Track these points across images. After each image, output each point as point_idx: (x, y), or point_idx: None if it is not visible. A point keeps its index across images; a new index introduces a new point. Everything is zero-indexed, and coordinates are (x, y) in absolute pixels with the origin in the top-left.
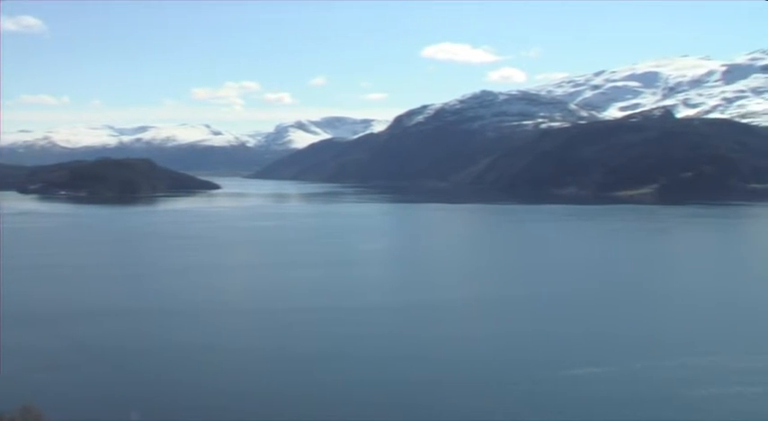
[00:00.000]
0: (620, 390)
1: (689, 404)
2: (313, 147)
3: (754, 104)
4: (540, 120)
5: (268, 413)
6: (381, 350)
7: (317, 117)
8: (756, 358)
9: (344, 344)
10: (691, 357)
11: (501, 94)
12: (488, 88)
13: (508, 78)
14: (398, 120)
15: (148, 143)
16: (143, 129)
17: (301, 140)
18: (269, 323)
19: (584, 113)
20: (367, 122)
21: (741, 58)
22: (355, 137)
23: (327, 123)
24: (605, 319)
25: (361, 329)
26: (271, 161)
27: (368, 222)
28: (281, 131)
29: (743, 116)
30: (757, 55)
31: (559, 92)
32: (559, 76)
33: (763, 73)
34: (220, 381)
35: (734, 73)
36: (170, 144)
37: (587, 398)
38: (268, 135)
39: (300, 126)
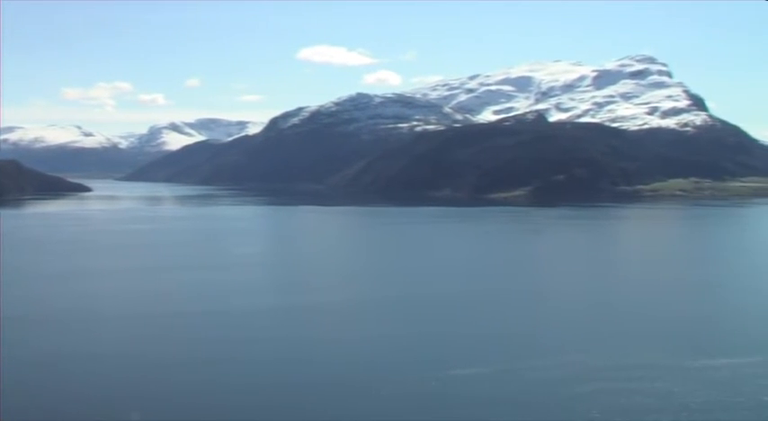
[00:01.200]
0: (499, 390)
1: (562, 401)
2: (187, 148)
3: (623, 109)
4: (415, 122)
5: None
6: (260, 353)
7: (191, 118)
8: (626, 355)
9: (223, 349)
10: (565, 356)
11: (376, 96)
12: (364, 91)
13: (384, 81)
14: (274, 122)
15: (15, 144)
16: (10, 129)
17: (175, 142)
18: (146, 329)
19: (458, 116)
20: (242, 124)
21: (611, 65)
22: (230, 139)
23: (202, 125)
24: (484, 320)
25: (240, 333)
26: (144, 163)
27: (243, 225)
28: (154, 133)
29: (612, 120)
30: (626, 61)
31: (434, 95)
32: (434, 79)
33: (632, 79)
34: (96, 390)
35: (604, 78)
36: (38, 145)
37: (467, 397)
38: (141, 136)
39: (174, 127)
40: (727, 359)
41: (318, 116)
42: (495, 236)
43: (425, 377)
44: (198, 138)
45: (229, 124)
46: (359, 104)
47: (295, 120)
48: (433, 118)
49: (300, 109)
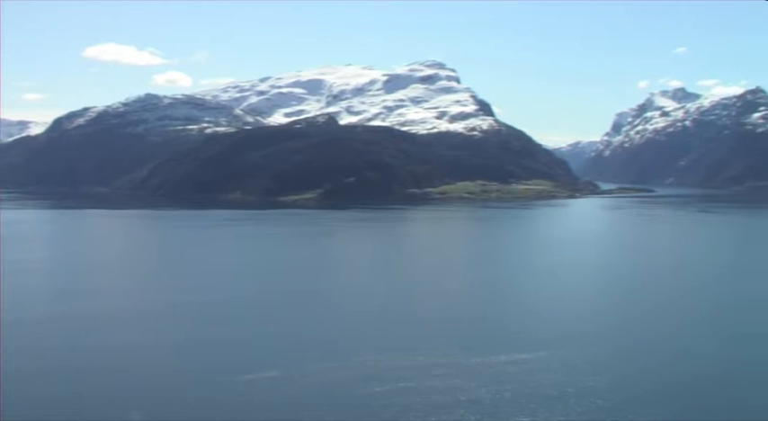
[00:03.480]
0: (292, 392)
1: (354, 402)
2: None
3: (413, 113)
4: (205, 124)
5: None
6: (42, 363)
7: None
8: (417, 355)
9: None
10: (358, 357)
11: (166, 97)
12: (154, 92)
13: (174, 82)
14: (58, 123)
15: None
16: None
17: None
18: None
19: (249, 119)
20: (24, 124)
21: (401, 69)
22: (11, 139)
23: None
24: (275, 323)
25: (22, 343)
26: None
27: (24, 229)
28: None
29: (402, 124)
30: (416, 66)
31: (225, 97)
32: (225, 81)
33: (422, 83)
34: None
35: (394, 83)
36: None
37: (260, 401)
38: None
39: None
40: (514, 355)
41: (105, 117)
42: (285, 238)
43: (218, 383)
44: None
45: (10, 124)
46: (147, 105)
47: (81, 120)
48: (223, 120)
49: (86, 109)
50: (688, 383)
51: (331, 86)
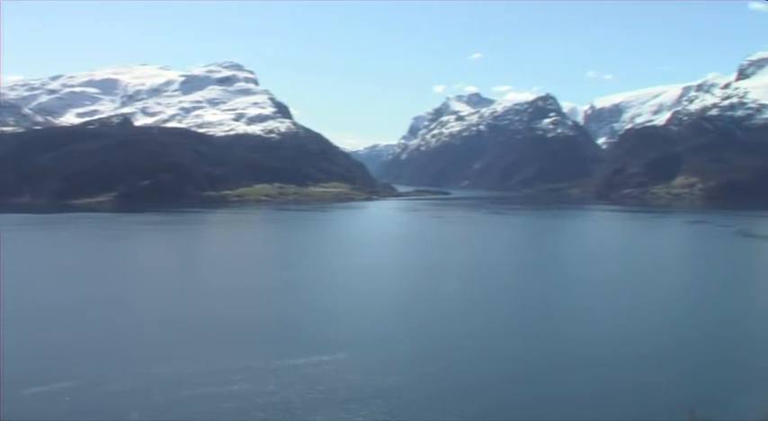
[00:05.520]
0: (85, 404)
1: (150, 410)
2: None
3: (210, 115)
4: None
5: None
6: None
7: None
8: (214, 361)
9: None
10: (153, 365)
11: None
12: None
13: None
14: None
15: None
16: None
17: None
18: None
19: (39, 119)
20: None
21: (198, 70)
22: None
23: None
24: (66, 333)
25: None
26: None
27: None
28: None
29: (200, 126)
30: (213, 67)
31: (13, 95)
32: (14, 78)
33: (219, 85)
34: None
35: (191, 84)
36: None
37: (52, 413)
38: None
39: None
40: (313, 357)
41: None
42: (77, 243)
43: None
44: None
45: None
46: None
47: None
48: (11, 119)
49: None
50: (488, 380)
51: (126, 86)
